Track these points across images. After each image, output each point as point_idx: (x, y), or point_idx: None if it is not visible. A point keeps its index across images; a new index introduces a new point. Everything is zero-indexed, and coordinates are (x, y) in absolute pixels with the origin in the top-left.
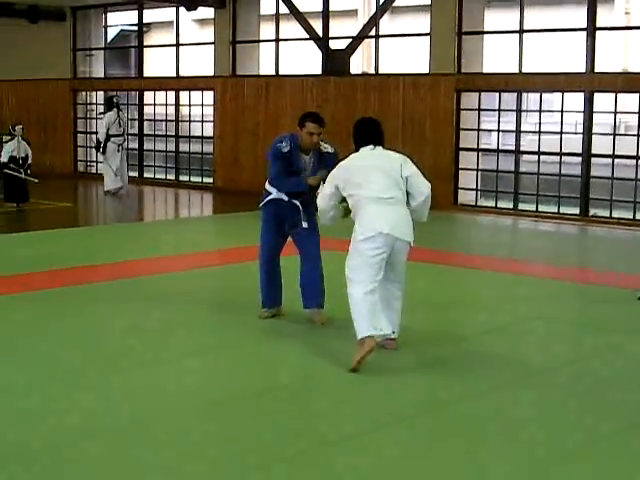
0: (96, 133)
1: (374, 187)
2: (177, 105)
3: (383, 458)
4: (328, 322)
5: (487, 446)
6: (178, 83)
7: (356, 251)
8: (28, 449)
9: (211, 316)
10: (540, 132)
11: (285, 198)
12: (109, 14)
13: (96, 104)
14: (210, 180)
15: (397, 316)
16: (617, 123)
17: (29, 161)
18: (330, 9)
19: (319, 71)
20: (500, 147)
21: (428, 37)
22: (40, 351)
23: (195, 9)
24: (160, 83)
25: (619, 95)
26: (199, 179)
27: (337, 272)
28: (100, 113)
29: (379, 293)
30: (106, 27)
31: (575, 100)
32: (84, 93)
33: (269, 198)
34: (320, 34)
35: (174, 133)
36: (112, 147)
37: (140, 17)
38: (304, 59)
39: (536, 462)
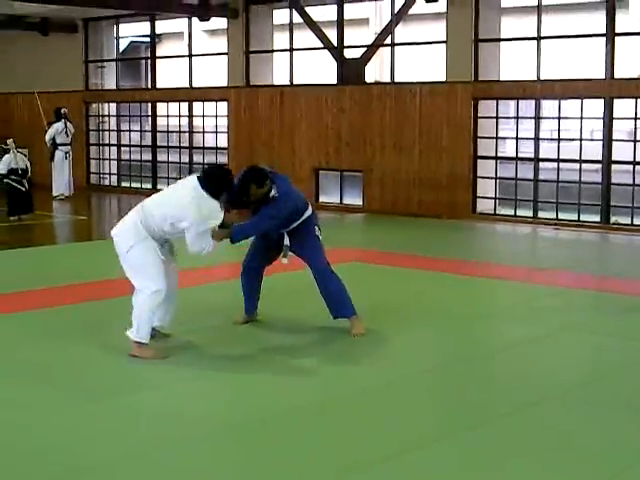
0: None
1: None
2: (190, 116)
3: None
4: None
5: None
6: (191, 94)
7: None
8: None
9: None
10: (559, 139)
11: None
12: (120, 25)
13: (109, 116)
14: None
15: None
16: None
17: (29, 173)
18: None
19: (334, 80)
20: (518, 155)
21: (444, 45)
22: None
23: (208, 19)
24: (173, 94)
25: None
26: None
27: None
28: (48, 123)
29: None
30: (118, 38)
31: (591, 106)
32: (96, 105)
33: None
34: (334, 43)
35: (188, 144)
36: (60, 155)
37: (152, 28)
38: (319, 69)
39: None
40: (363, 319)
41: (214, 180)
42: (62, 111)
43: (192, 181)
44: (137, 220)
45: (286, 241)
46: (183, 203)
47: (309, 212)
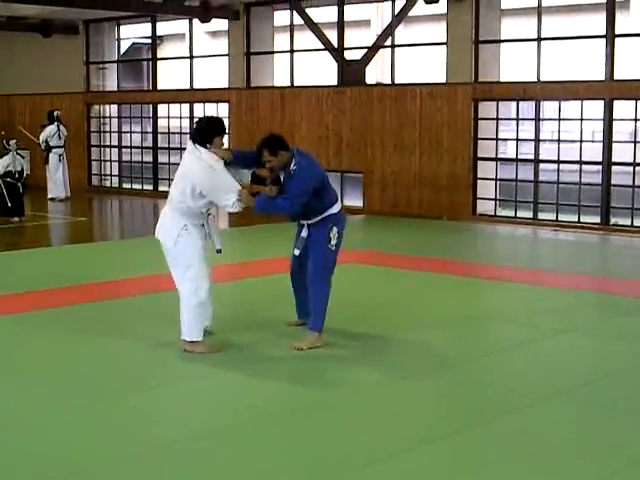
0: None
1: None
2: (191, 117)
3: None
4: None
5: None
6: (192, 95)
7: None
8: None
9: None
10: (559, 140)
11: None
12: (122, 27)
13: (109, 117)
14: None
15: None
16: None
17: (24, 175)
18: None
19: (334, 82)
20: (518, 156)
21: (444, 46)
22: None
23: (209, 21)
24: (174, 96)
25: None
26: None
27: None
28: (42, 126)
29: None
30: (119, 40)
31: (591, 108)
32: (97, 106)
33: None
34: (335, 45)
35: None
36: (54, 158)
37: (153, 29)
38: (319, 70)
39: None
40: (322, 339)
41: (202, 129)
42: (55, 114)
43: (188, 146)
44: (171, 211)
45: (304, 233)
46: (190, 166)
47: (335, 209)
